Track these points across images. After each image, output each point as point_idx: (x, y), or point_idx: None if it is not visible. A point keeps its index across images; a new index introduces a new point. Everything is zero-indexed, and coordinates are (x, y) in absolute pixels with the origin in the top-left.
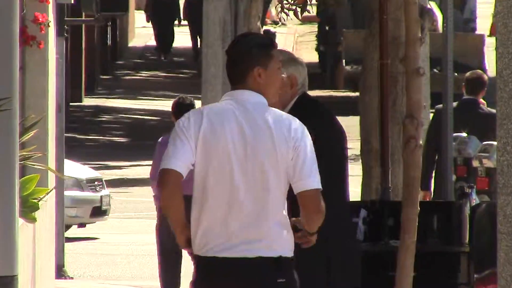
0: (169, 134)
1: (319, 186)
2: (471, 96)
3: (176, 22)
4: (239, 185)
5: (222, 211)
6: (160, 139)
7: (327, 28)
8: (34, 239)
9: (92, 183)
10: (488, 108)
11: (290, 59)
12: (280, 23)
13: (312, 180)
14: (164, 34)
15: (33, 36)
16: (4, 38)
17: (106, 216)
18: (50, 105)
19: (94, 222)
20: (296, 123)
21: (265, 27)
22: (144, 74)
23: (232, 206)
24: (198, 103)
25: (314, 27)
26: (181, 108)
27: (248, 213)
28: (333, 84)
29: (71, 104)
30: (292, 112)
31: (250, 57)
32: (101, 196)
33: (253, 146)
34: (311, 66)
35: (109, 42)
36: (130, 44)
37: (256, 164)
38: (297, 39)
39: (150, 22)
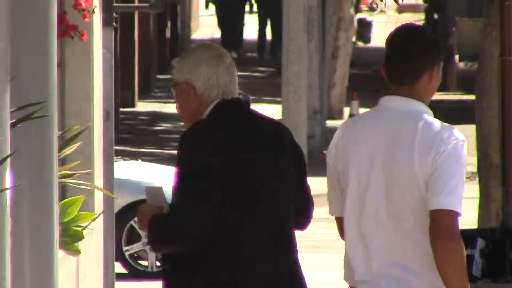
0: None
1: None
2: None
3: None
4: None
5: None
6: None
7: (435, 16)
8: (77, 275)
9: None
10: None
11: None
12: (378, 10)
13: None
14: (231, 24)
15: (74, 26)
16: (38, 27)
17: None
18: (96, 112)
19: None
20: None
21: (359, 15)
22: None
23: None
24: (278, 108)
25: (420, 15)
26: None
27: None
28: (443, 84)
29: (121, 110)
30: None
31: (431, 55)
32: None
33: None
34: None
35: (168, 33)
36: (194, 36)
37: None
38: None
39: (214, 11)
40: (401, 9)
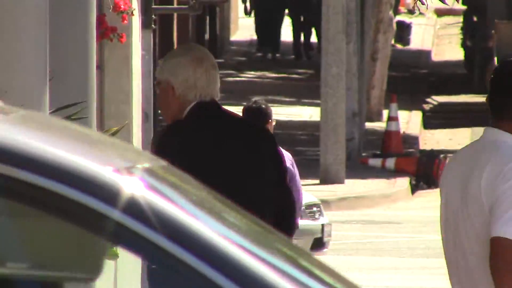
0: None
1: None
2: None
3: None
4: None
5: None
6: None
7: (475, 18)
8: (115, 279)
9: (310, 209)
10: None
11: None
12: (417, 12)
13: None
14: (269, 28)
15: (114, 28)
16: (78, 30)
17: (326, 250)
18: (134, 113)
19: None
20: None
21: (398, 17)
22: (250, 74)
23: None
24: (316, 110)
25: (459, 18)
26: (247, 114)
27: None
28: (482, 87)
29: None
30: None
31: None
32: (323, 225)
33: None
34: (455, 65)
35: (207, 35)
36: (233, 38)
37: None
38: (437, 32)
39: (250, 14)
40: (440, 11)
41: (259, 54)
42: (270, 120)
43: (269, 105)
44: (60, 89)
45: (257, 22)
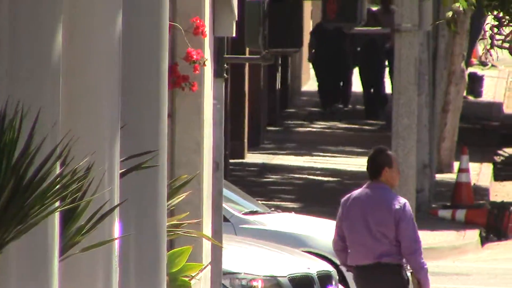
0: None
1: None
2: None
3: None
4: None
5: None
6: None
7: None
8: None
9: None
10: None
11: None
12: (489, 65)
13: None
14: (334, 79)
15: (186, 76)
16: (150, 78)
17: None
18: (205, 162)
19: None
20: None
21: (470, 69)
22: (320, 125)
23: None
24: None
25: None
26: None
27: None
28: None
29: (231, 161)
30: None
31: None
32: None
33: None
34: None
35: (278, 85)
36: (304, 89)
37: None
38: (510, 84)
39: (313, 64)
40: None
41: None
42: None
43: (339, 155)
44: (132, 138)
45: (320, 75)
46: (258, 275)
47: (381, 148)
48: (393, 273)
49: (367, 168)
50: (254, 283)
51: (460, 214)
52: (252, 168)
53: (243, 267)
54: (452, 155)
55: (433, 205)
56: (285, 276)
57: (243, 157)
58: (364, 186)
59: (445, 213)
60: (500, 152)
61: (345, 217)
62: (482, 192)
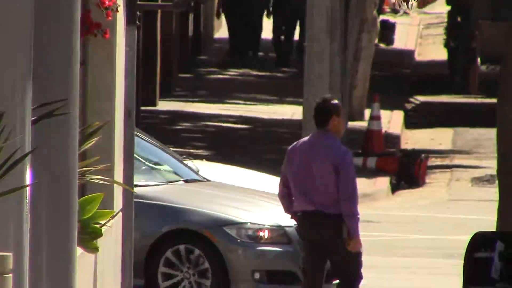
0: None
1: None
2: None
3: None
4: None
5: None
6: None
7: (458, 18)
8: (95, 273)
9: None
10: None
11: None
12: (401, 12)
13: None
14: (246, 28)
15: (98, 24)
16: (62, 25)
17: None
18: (117, 109)
19: None
20: None
21: (382, 17)
22: (232, 72)
23: None
24: (298, 109)
25: (443, 17)
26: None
27: None
28: (464, 88)
29: (142, 108)
30: None
31: None
32: None
33: None
34: (438, 65)
35: (190, 32)
36: (216, 36)
37: None
38: (421, 31)
39: (223, 16)
40: (424, 11)
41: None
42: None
43: (251, 103)
44: (44, 86)
45: (230, 26)
46: (264, 225)
47: (329, 97)
48: (334, 222)
49: (314, 117)
50: (261, 233)
51: (371, 161)
52: (164, 116)
53: (249, 217)
54: (364, 103)
55: None
56: (292, 226)
57: (155, 105)
58: (311, 135)
59: (356, 161)
60: (411, 99)
61: (289, 164)
62: (393, 139)
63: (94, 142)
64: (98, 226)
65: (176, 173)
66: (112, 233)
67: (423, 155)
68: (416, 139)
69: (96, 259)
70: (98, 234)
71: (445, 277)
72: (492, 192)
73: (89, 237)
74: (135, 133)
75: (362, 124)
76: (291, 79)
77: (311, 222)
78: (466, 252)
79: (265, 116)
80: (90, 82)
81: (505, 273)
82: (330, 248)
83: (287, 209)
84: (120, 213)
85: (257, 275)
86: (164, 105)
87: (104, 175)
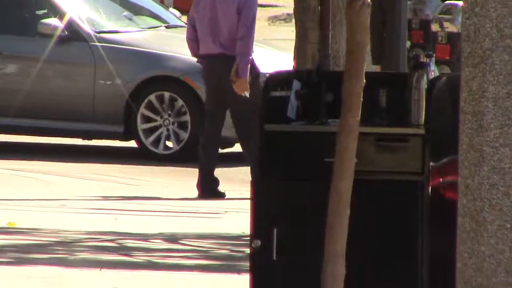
0: None
1: None
2: None
3: None
4: None
5: None
6: None
7: None
8: None
9: None
10: None
11: None
12: None
13: None
14: None
15: None
16: None
17: None
18: None
19: None
20: None
21: None
22: None
23: None
24: None
25: None
26: None
27: None
28: None
29: None
30: None
31: None
32: None
33: None
34: None
35: None
36: None
37: None
38: None
39: None
40: None
41: None
42: None
43: None
44: None
45: None
46: None
47: None
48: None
49: None
50: None
51: None
52: None
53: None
54: None
55: None
56: None
57: None
58: None
59: None
60: None
61: (196, 6)
62: None
63: None
64: None
65: (157, 19)
66: None
67: None
68: None
69: None
70: None
71: None
72: (289, 31)
73: None
74: None
75: None
76: None
77: (215, 65)
78: (262, 91)
79: None
80: None
81: (302, 112)
82: (228, 89)
83: (194, 53)
84: None
85: None
86: None
87: None
